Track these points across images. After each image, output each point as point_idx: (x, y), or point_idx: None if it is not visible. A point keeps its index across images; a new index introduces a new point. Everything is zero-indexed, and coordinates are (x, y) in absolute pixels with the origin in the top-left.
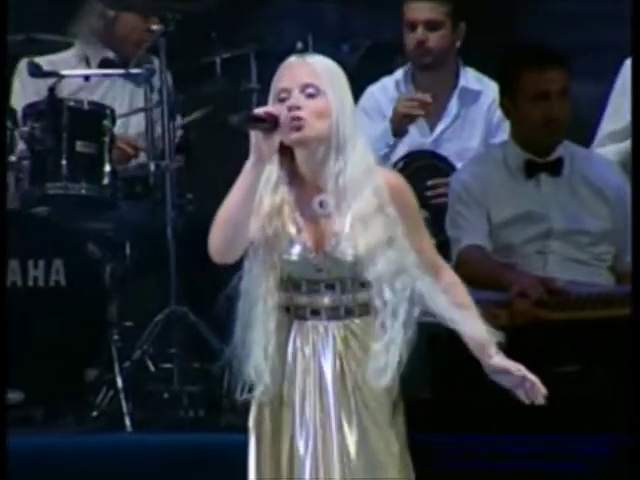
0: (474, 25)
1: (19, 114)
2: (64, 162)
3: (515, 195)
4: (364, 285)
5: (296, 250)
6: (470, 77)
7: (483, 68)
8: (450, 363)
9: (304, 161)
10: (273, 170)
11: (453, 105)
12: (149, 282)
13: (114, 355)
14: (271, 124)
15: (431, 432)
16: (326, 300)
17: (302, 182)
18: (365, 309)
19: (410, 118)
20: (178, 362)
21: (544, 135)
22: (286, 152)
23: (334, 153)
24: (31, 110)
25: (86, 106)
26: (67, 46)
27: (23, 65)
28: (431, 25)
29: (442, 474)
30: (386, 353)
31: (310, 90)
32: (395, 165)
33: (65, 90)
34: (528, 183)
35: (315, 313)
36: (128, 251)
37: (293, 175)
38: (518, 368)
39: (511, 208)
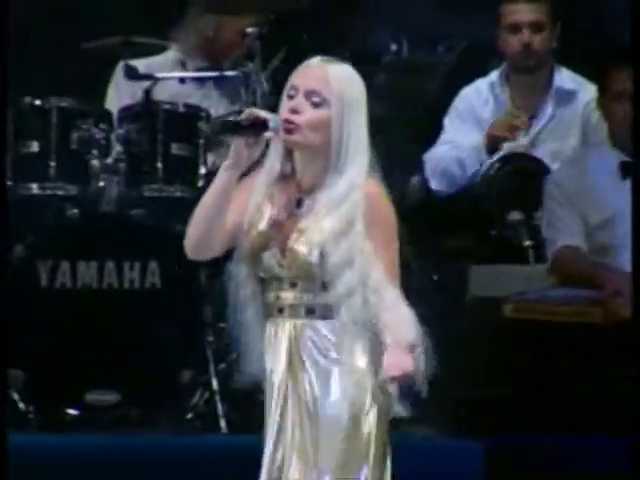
0: (565, 25)
1: (115, 116)
2: (159, 164)
3: (611, 196)
4: (327, 287)
5: (263, 244)
6: (565, 77)
7: (576, 69)
8: (533, 365)
9: (298, 160)
10: (276, 164)
11: (549, 106)
12: None
13: (209, 357)
14: (258, 129)
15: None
16: (289, 298)
17: (291, 179)
18: (328, 311)
19: (505, 139)
20: None
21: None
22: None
23: (333, 165)
24: (127, 113)
25: (181, 108)
26: (163, 49)
27: (120, 68)
28: (536, 27)
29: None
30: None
31: (315, 99)
32: (490, 167)
33: (160, 94)
34: (624, 184)
35: (280, 311)
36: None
37: (291, 170)
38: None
39: (606, 209)
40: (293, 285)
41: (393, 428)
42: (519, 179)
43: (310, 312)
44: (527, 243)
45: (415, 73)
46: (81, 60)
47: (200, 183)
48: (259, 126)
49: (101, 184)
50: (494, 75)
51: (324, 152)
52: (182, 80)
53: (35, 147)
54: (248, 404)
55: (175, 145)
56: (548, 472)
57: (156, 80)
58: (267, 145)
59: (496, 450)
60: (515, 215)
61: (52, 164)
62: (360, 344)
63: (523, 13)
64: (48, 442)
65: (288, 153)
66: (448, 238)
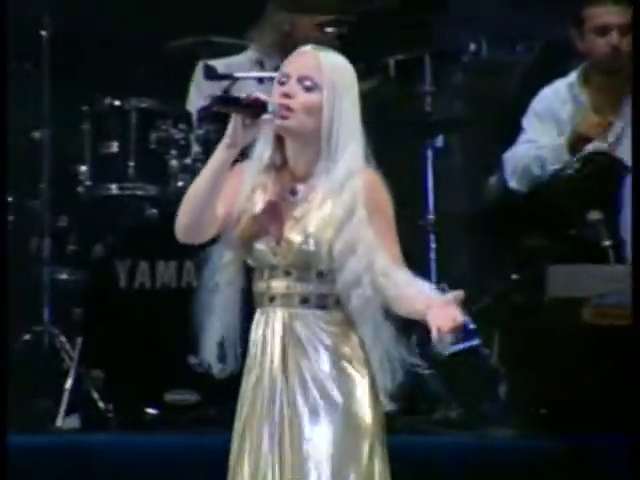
0: None
1: (194, 116)
2: None
3: None
4: (322, 276)
5: (256, 232)
6: None
7: None
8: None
9: (290, 148)
10: (266, 153)
11: (630, 106)
12: None
13: None
14: (258, 110)
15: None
16: (282, 286)
17: (283, 168)
18: (323, 301)
19: (593, 139)
20: None
21: None
22: (282, 137)
23: (325, 152)
24: (205, 113)
25: None
26: (242, 49)
27: (199, 68)
28: (624, 29)
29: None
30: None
31: (307, 83)
32: (571, 166)
33: (238, 93)
34: None
35: (272, 299)
36: None
37: (280, 160)
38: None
39: None
40: (287, 274)
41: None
42: (600, 178)
43: (304, 301)
44: (607, 243)
45: (494, 73)
46: (160, 61)
47: None
48: (258, 107)
49: (180, 184)
50: (573, 76)
51: (316, 138)
52: (260, 80)
53: (114, 148)
54: None
55: None
56: (624, 473)
57: (235, 80)
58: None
59: (575, 450)
60: (595, 215)
61: (131, 164)
62: (357, 336)
63: (612, 15)
64: (127, 442)
65: (278, 142)
66: (527, 237)
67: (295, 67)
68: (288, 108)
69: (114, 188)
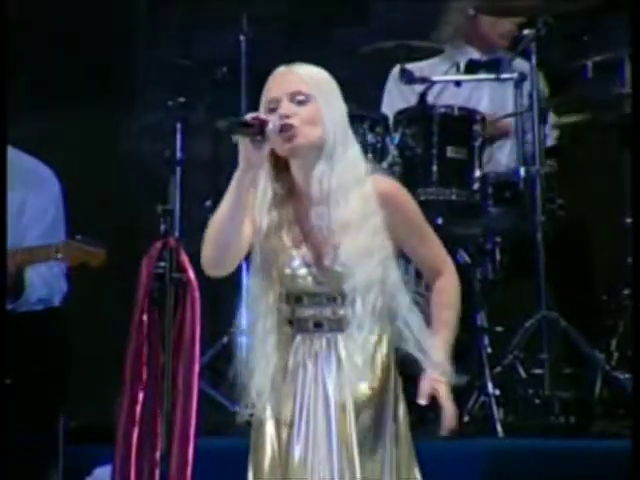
0: None
1: (390, 120)
2: (435, 168)
3: None
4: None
5: (296, 264)
6: None
7: None
8: None
9: (297, 171)
10: (268, 187)
11: None
12: (519, 287)
13: (485, 361)
14: (258, 129)
15: None
16: (328, 312)
17: (299, 195)
18: (365, 324)
19: None
20: (549, 368)
21: None
22: (280, 165)
23: (324, 157)
24: (402, 116)
25: (456, 112)
26: (437, 53)
27: (394, 72)
28: None
29: None
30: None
31: (299, 97)
32: None
33: (435, 97)
34: None
35: (318, 325)
36: (498, 257)
37: (290, 188)
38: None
39: None
40: (332, 299)
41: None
42: None
43: (347, 325)
44: None
45: None
46: (357, 64)
47: (475, 186)
48: (262, 123)
49: None
50: None
51: (316, 150)
52: (458, 83)
53: None
54: (524, 408)
55: (450, 148)
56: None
57: (432, 83)
58: None
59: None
60: None
61: None
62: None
63: None
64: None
65: (277, 171)
66: None
67: (280, 88)
68: (291, 127)
69: None
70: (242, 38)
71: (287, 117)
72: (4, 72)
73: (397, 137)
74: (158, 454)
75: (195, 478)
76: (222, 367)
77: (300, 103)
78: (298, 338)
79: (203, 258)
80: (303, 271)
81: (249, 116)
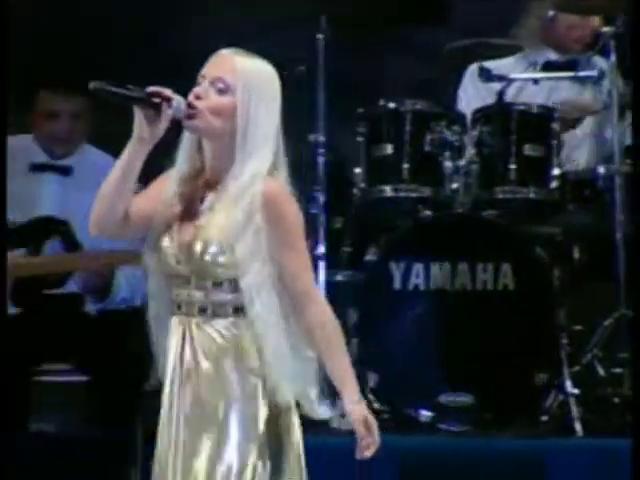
0: None
1: (468, 118)
2: (512, 166)
3: None
4: (220, 285)
5: (165, 241)
6: None
7: None
8: None
9: (206, 154)
10: (187, 158)
11: None
12: (598, 286)
13: (563, 359)
14: (150, 104)
15: None
16: (184, 295)
17: (205, 176)
18: (222, 311)
19: None
20: (629, 367)
21: None
22: (200, 144)
23: (238, 158)
24: (480, 114)
25: (535, 109)
26: (517, 50)
27: (473, 69)
28: None
29: None
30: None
31: (220, 85)
32: None
33: (507, 93)
34: None
35: (178, 307)
36: (577, 255)
37: (200, 167)
38: (366, 434)
39: None
40: (187, 281)
41: None
42: None
43: (202, 310)
44: None
45: None
46: (435, 62)
47: (553, 184)
48: (159, 102)
49: (454, 186)
50: None
51: (230, 145)
52: (535, 81)
53: (389, 150)
54: (604, 406)
55: (528, 146)
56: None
57: (510, 81)
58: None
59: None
60: None
61: (405, 166)
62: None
63: None
64: (402, 444)
65: (199, 148)
66: None
67: (210, 69)
68: (193, 107)
69: (388, 190)
70: (320, 37)
71: (197, 98)
72: (4, 72)
73: (475, 135)
74: None
75: None
76: None
77: (219, 91)
78: (172, 321)
79: (90, 218)
80: (166, 247)
81: (149, 89)
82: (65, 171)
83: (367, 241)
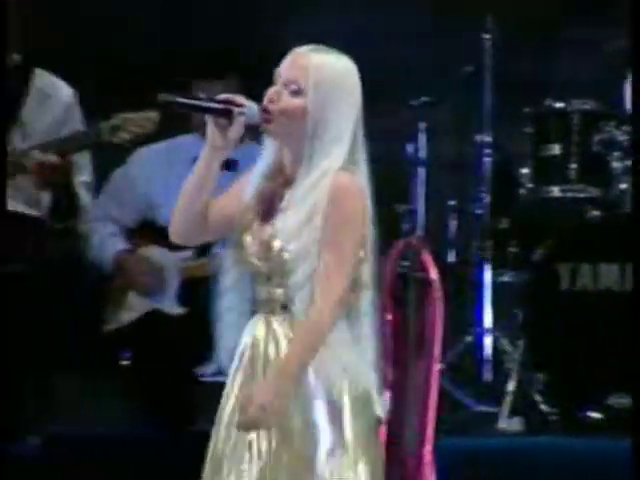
0: None
1: None
2: None
3: None
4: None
5: (247, 239)
6: None
7: None
8: None
9: (286, 154)
10: (267, 159)
11: None
12: None
13: None
14: (221, 112)
15: None
16: (263, 293)
17: (285, 174)
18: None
19: None
20: None
21: None
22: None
23: (308, 156)
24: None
25: None
26: None
27: None
28: None
29: None
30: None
31: (292, 87)
32: None
33: None
34: None
35: (260, 305)
36: None
37: (282, 166)
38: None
39: None
40: (268, 279)
41: None
42: None
43: (284, 308)
44: None
45: None
46: (601, 62)
47: None
48: (229, 109)
49: (622, 186)
50: None
51: (300, 142)
52: None
53: (556, 150)
54: None
55: None
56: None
57: None
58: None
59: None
60: None
61: (573, 166)
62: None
63: None
64: (570, 445)
65: (279, 148)
66: None
67: (284, 68)
68: (268, 112)
69: (556, 190)
70: (487, 37)
71: (271, 101)
72: (4, 70)
73: None
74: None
75: (435, 477)
76: (465, 366)
77: (292, 92)
78: (253, 318)
79: (170, 227)
80: (249, 245)
81: (220, 97)
82: (232, 165)
83: (533, 241)
